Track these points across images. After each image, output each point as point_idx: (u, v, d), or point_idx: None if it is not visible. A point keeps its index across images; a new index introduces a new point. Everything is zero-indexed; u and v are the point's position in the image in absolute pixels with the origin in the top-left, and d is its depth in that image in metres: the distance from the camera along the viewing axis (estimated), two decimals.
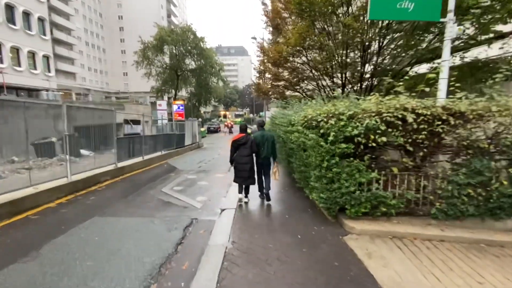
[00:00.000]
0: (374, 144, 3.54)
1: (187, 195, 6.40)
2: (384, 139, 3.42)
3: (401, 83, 4.00)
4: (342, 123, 3.52)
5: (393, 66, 7.23)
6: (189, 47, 38.02)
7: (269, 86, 9.97)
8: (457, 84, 3.61)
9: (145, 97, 54.73)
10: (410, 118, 3.36)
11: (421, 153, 3.61)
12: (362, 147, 3.58)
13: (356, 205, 3.77)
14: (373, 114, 3.51)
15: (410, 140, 3.53)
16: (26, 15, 18.97)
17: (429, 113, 3.43)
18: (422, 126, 3.44)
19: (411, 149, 3.53)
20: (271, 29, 10.06)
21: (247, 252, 3.43)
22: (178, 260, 3.38)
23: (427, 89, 3.79)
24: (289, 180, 7.35)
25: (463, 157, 3.85)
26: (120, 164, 9.08)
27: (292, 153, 5.78)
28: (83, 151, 10.49)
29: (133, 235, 4.11)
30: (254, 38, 9.79)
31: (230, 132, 41.74)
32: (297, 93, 10.81)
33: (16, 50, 18.12)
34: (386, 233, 3.70)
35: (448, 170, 3.78)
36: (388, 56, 7.23)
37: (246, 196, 5.58)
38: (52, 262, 3.28)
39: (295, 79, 8.77)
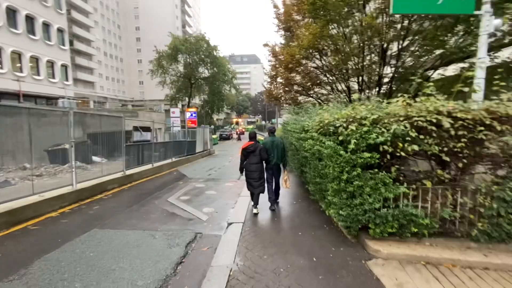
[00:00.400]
0: (402, 154, 3.04)
1: (194, 205, 6.04)
2: (415, 147, 2.91)
3: (430, 84, 3.48)
4: (364, 128, 3.04)
5: (415, 69, 6.67)
6: (203, 56, 38.54)
7: (281, 91, 9.57)
8: (502, 83, 3.06)
9: (159, 105, 55.89)
10: (446, 123, 2.84)
11: (460, 164, 3.05)
12: (388, 156, 3.08)
13: (382, 224, 3.25)
14: (401, 119, 3.02)
15: (445, 149, 3.01)
16: (46, 26, 19.72)
17: (469, 117, 2.90)
18: (461, 133, 2.91)
19: (447, 159, 3.00)
20: (283, 32, 9.75)
21: (254, 277, 2.97)
22: (176, 284, 2.98)
23: (466, 89, 3.26)
24: (301, 191, 6.85)
25: (509, 168, 3.27)
26: (128, 172, 8.90)
27: (305, 162, 5.30)
28: (95, 158, 10.44)
29: (130, 252, 3.75)
30: (266, 44, 9.48)
31: (239, 139, 41.60)
32: (310, 99, 10.37)
33: (35, 60, 18.81)
34: (418, 258, 3.14)
35: (492, 184, 3.20)
36: (409, 58, 6.69)
37: (255, 207, 5.32)
38: (38, 283, 2.96)
39: (308, 83, 8.33)
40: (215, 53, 38.21)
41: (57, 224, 4.95)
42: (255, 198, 5.34)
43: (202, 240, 4.18)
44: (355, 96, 4.27)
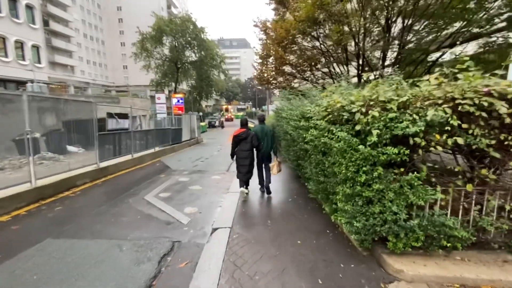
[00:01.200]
0: (437, 148, 2.31)
1: (174, 204, 5.23)
2: (460, 140, 2.19)
3: (466, 58, 2.72)
4: (390, 115, 2.28)
5: (424, 48, 5.92)
6: (189, 38, 36.56)
7: (273, 73, 8.63)
8: None
9: (145, 90, 53.66)
10: (502, 107, 2.11)
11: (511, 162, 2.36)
12: (420, 152, 2.34)
13: (405, 237, 2.56)
14: (440, 102, 2.27)
15: (493, 142, 2.30)
16: (13, 2, 17.68)
17: None
18: None
19: (496, 155, 2.29)
20: (274, 6, 8.72)
21: None
22: None
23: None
24: (297, 186, 6.17)
25: None
26: (103, 164, 7.94)
27: (304, 156, 4.55)
28: (71, 148, 9.36)
29: (88, 272, 2.95)
30: (256, 25, 8.46)
31: (222, 126, 40.71)
32: (305, 83, 9.54)
33: (2, 39, 16.93)
34: (451, 280, 2.49)
35: None
36: (420, 32, 5.88)
37: (246, 188, 5.54)
38: None
39: (304, 64, 7.45)
40: (202, 36, 36.32)
41: (4, 232, 4.06)
42: (245, 182, 5.50)
43: (180, 252, 3.42)
44: (365, 76, 3.46)
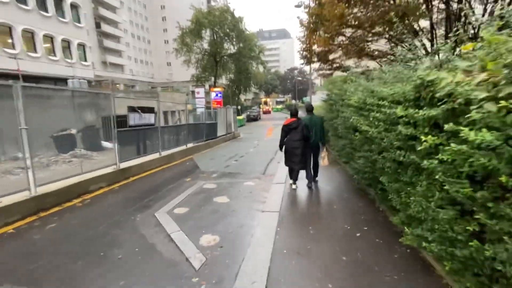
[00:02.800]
0: None
1: (189, 228, 3.82)
2: None
3: None
4: None
5: None
6: (227, 30, 35.63)
7: (328, 36, 6.43)
8: None
9: (187, 86, 54.95)
10: None
11: None
12: None
13: None
14: None
15: None
16: (59, 1, 18.34)
17: None
18: None
19: None
20: None
21: None
22: None
23: None
24: (345, 179, 4.33)
25: None
26: (124, 165, 7.00)
27: (394, 171, 2.66)
28: (106, 144, 8.80)
29: None
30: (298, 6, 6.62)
31: (257, 119, 39.22)
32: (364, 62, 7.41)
33: (50, 39, 17.72)
34: None
35: None
36: None
37: (294, 183, 5.46)
38: None
39: (376, 14, 5.22)
40: (240, 26, 35.05)
41: None
42: (294, 174, 5.41)
43: None
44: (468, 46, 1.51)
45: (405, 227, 2.23)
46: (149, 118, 8.19)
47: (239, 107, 40.39)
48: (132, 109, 7.43)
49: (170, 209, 4.57)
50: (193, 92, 42.30)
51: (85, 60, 20.62)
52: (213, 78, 39.11)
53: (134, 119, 7.42)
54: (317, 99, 24.58)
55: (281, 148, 5.41)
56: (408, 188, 2.12)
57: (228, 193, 5.42)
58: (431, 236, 1.74)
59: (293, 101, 62.67)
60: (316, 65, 8.72)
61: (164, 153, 9.05)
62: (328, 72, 7.37)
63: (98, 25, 45.01)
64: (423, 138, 1.63)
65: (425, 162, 1.68)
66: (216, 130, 14.51)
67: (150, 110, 8.31)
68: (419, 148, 1.74)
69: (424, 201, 1.82)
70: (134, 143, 7.60)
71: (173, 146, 9.89)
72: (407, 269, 2.53)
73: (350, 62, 7.76)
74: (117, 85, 43.79)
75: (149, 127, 8.27)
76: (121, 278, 2.70)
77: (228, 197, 5.15)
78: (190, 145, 11.27)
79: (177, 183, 6.40)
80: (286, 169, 6.15)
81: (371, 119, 2.74)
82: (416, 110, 1.80)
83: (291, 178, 5.46)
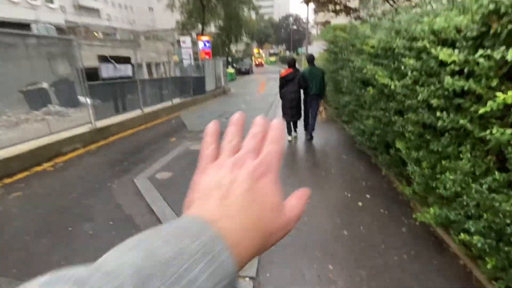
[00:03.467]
0: None
1: (172, 196, 3.43)
2: None
3: None
4: None
5: None
6: None
7: None
8: None
9: (172, 34, 50.47)
10: None
11: None
12: None
13: None
14: None
15: None
16: None
17: None
18: None
19: None
20: None
21: None
22: None
23: None
24: (345, 139, 3.99)
25: None
26: (101, 123, 6.33)
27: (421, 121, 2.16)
28: (82, 99, 7.95)
29: None
30: None
31: (249, 72, 37.47)
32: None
33: None
34: None
35: None
36: None
37: (295, 131, 5.52)
38: None
39: None
40: None
41: None
42: (292, 124, 5.42)
43: None
44: None
45: (417, 202, 1.83)
46: (126, 70, 7.24)
47: (230, 59, 37.98)
48: (104, 59, 6.43)
49: (152, 174, 4.13)
50: (179, 41, 39.07)
51: (51, 2, 17.94)
52: (200, 26, 35.74)
53: (107, 70, 6.49)
54: (314, 50, 22.98)
55: (280, 97, 5.38)
56: (440, 160, 1.66)
57: None
58: (474, 226, 1.34)
59: (288, 53, 59.25)
60: (316, 9, 7.57)
61: (147, 110, 8.30)
62: (330, 14, 6.36)
63: None
64: (489, 94, 1.10)
65: (492, 130, 1.16)
66: (204, 85, 13.49)
67: (126, 60, 7.29)
68: (481, 110, 1.21)
69: (467, 178, 1.37)
70: (110, 99, 6.80)
71: (157, 102, 9.09)
72: (417, 247, 2.23)
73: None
74: (95, 33, 39.84)
75: (127, 81, 7.36)
76: (91, 260, 2.33)
77: None
78: (176, 101, 10.44)
79: (160, 143, 5.86)
80: None
81: (394, 68, 2.14)
82: (481, 53, 1.23)
83: (289, 134, 5.41)
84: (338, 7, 6.25)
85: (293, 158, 4.71)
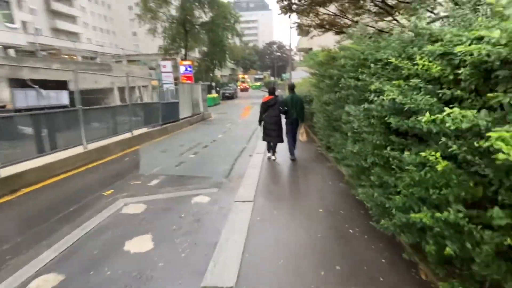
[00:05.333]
0: None
1: None
2: None
3: None
4: None
5: None
6: None
7: None
8: None
9: (156, 59, 49.73)
10: None
11: None
12: None
13: None
14: None
15: None
16: None
17: None
18: None
19: None
20: None
21: None
22: None
23: None
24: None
25: None
26: (8, 171, 4.52)
27: None
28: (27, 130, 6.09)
29: None
30: None
31: (234, 97, 36.95)
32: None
33: None
34: None
35: None
36: None
37: (273, 154, 5.80)
38: None
39: None
40: None
41: None
42: (272, 147, 5.76)
43: None
44: None
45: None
46: (59, 97, 5.58)
47: (213, 84, 37.14)
48: (21, 83, 4.78)
49: (28, 278, 2.34)
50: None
51: (12, 22, 16.38)
52: (183, 51, 35.14)
53: (25, 98, 4.80)
54: (298, 76, 22.38)
55: (260, 123, 5.76)
56: None
57: (157, 227, 3.24)
58: None
59: (272, 78, 59.72)
60: (298, 30, 6.41)
61: (93, 145, 6.56)
62: (319, 29, 5.19)
63: None
64: None
65: None
66: (178, 111, 11.96)
67: (61, 85, 5.66)
68: None
69: None
70: (28, 135, 5.05)
71: (110, 134, 7.36)
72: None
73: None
74: (73, 56, 38.33)
75: (61, 110, 5.68)
76: None
77: (153, 238, 2.97)
78: (139, 131, 8.77)
79: (87, 200, 4.09)
80: (257, 169, 5.26)
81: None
82: None
83: (268, 151, 5.89)
84: (325, 22, 5.08)
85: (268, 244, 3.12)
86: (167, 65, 28.34)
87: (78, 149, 6.18)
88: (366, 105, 1.68)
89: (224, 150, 7.42)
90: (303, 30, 5.15)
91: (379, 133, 1.78)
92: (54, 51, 23.40)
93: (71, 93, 5.89)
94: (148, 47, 50.89)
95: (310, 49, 40.65)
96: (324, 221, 3.14)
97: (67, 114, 5.82)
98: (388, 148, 1.73)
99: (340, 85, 2.38)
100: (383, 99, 1.55)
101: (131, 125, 8.29)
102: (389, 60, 1.68)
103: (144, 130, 9.23)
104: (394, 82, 1.54)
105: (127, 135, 8.12)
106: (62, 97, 5.68)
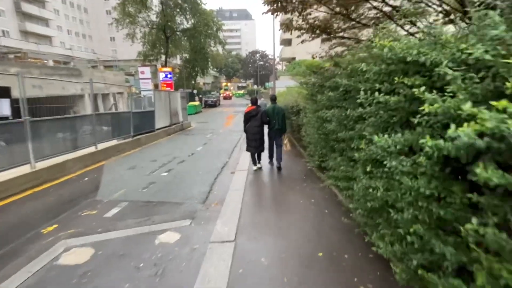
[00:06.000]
0: None
1: None
2: None
3: None
4: None
5: None
6: (179, 0, 30.61)
7: None
8: None
9: (135, 65, 47.98)
10: None
11: None
12: None
13: None
14: None
15: None
16: None
17: None
18: None
19: None
20: None
21: None
22: None
23: None
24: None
25: None
26: None
27: None
28: None
29: None
30: None
31: (216, 105, 36.47)
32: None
33: None
34: None
35: None
36: None
37: (259, 162, 5.88)
38: None
39: None
40: None
41: None
42: (257, 156, 5.83)
43: None
44: None
45: None
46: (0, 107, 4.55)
47: (194, 91, 36.13)
48: None
49: None
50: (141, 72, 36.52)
51: None
52: (164, 57, 34.02)
53: None
54: (282, 85, 22.03)
55: (245, 131, 5.76)
56: None
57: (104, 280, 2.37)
58: None
59: (255, 86, 59.54)
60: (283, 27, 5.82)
61: (44, 163, 5.51)
62: (310, 33, 4.61)
63: None
64: None
65: None
66: (153, 121, 10.99)
67: (4, 92, 4.64)
68: None
69: None
70: None
71: (67, 149, 6.31)
72: None
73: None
74: (44, 61, 35.97)
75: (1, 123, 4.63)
76: None
77: None
78: (105, 144, 7.74)
79: (13, 245, 3.10)
80: (240, 191, 4.55)
81: None
82: None
83: (254, 164, 5.82)
84: (316, 24, 4.50)
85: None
86: (146, 71, 27.18)
87: (24, 169, 5.12)
88: (426, 140, 1.02)
89: (202, 166, 6.60)
90: (289, 28, 4.50)
91: (432, 178, 1.14)
92: (19, 54, 21.47)
93: (16, 102, 4.87)
94: (127, 52, 49.08)
95: (293, 58, 40.90)
96: (326, 271, 2.42)
97: (7, 127, 4.78)
98: (448, 208, 1.07)
99: (358, 100, 1.72)
100: (461, 132, 0.89)
101: (96, 138, 7.26)
102: (487, 64, 1.03)
103: (113, 142, 8.20)
104: (492, 103, 0.90)
105: (91, 149, 7.08)
106: (3, 107, 4.65)
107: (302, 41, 5.03)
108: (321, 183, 4.69)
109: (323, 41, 6.12)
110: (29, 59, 25.06)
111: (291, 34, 5.51)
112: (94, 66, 48.90)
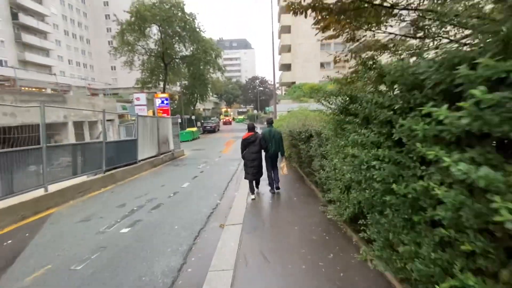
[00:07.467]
0: None
1: None
2: None
3: None
4: None
5: None
6: (178, 28, 30.61)
7: None
8: None
9: (134, 92, 47.67)
10: None
11: None
12: None
13: None
14: None
15: None
16: None
17: None
18: None
19: None
20: None
21: None
22: None
23: None
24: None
25: None
26: None
27: None
28: None
29: None
30: None
31: (215, 130, 35.37)
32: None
33: None
34: None
35: None
36: None
37: (257, 187, 5.83)
38: None
39: None
40: (193, 25, 30.31)
41: None
42: (255, 183, 5.73)
43: None
44: None
45: None
46: None
47: (193, 117, 35.09)
48: None
49: None
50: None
51: None
52: (162, 84, 33.49)
53: None
54: (283, 108, 20.80)
55: (243, 157, 5.59)
56: None
57: None
58: None
59: (255, 111, 58.88)
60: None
61: None
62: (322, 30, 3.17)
63: (15, 16, 36.39)
64: None
65: None
66: (135, 151, 9.38)
67: None
68: None
69: None
70: None
71: (4, 193, 4.61)
72: None
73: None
74: (42, 89, 35.52)
75: None
76: None
77: None
78: (61, 184, 6.04)
79: None
80: (229, 265, 3.19)
81: None
82: None
83: (252, 193, 5.51)
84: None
85: None
86: (141, 97, 26.28)
87: None
88: None
89: (182, 215, 4.87)
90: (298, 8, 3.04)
91: None
92: (7, 82, 20.59)
93: None
94: (128, 80, 49.14)
95: (293, 82, 40.48)
96: None
97: None
98: None
99: None
100: None
101: (46, 177, 5.59)
102: None
103: (75, 181, 6.52)
104: None
105: (38, 192, 5.39)
106: None
107: (321, 36, 3.54)
108: (357, 254, 2.93)
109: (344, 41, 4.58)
110: (21, 87, 24.25)
111: (305, 16, 3.94)
112: (94, 94, 48.52)
